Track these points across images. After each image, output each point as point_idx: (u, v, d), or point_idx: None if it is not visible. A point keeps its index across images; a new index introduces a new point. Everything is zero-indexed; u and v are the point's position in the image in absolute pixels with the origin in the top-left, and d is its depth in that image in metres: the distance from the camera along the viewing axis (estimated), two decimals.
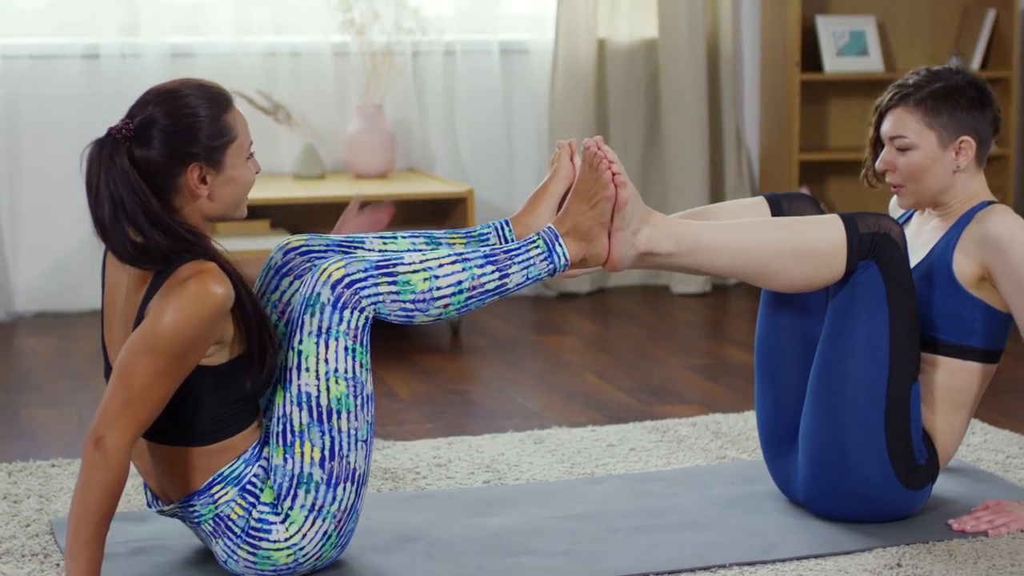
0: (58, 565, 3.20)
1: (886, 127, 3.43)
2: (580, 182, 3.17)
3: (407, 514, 3.49)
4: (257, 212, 5.69)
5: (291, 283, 3.19)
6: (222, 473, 3.01)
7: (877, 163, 3.46)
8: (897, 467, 3.30)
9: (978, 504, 3.47)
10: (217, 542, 3.06)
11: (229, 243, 5.37)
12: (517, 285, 3.12)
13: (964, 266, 3.36)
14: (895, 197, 3.60)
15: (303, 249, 3.24)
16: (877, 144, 3.52)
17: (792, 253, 3.25)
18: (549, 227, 3.16)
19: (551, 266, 3.14)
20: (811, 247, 3.25)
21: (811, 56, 6.48)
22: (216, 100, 2.95)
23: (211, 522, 3.04)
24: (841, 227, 3.26)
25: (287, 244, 3.25)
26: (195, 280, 2.86)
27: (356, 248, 3.25)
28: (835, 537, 3.31)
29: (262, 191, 5.53)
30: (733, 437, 4.12)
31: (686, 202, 6.26)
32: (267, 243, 5.44)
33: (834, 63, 6.45)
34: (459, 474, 3.83)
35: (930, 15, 6.70)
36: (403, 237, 3.27)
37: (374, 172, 5.91)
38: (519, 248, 3.13)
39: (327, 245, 3.24)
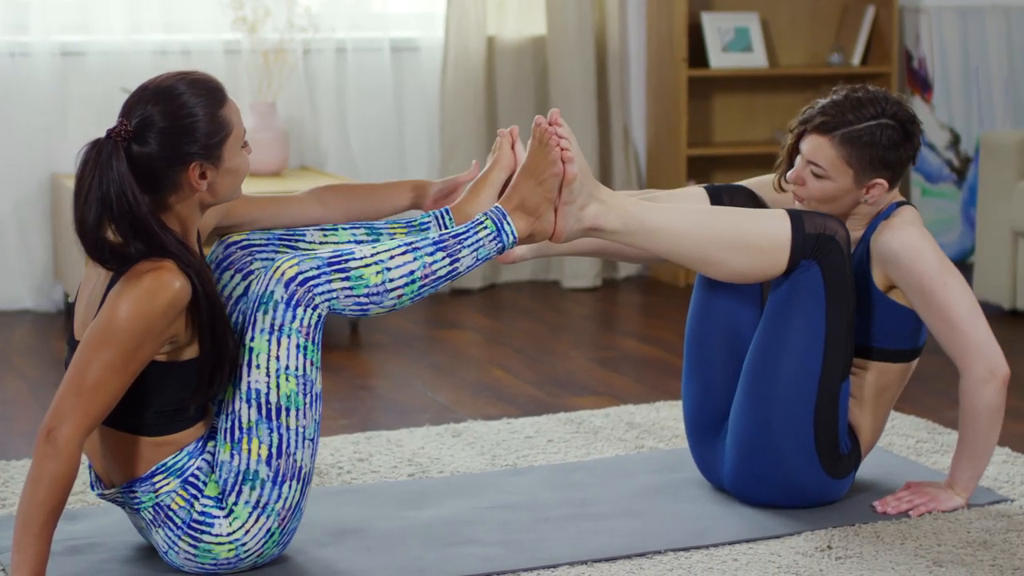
0: None
1: (806, 148, 3.42)
2: (529, 158, 3.20)
3: (338, 508, 3.50)
4: None
5: (232, 277, 3.20)
6: (165, 463, 3.01)
7: (790, 173, 3.46)
8: (822, 458, 3.37)
9: (898, 487, 3.57)
10: (157, 531, 3.06)
11: None
12: (468, 268, 3.15)
13: (878, 276, 3.43)
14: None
15: (244, 243, 3.24)
16: (793, 152, 3.51)
17: (735, 244, 3.30)
18: (496, 206, 3.19)
19: (500, 244, 3.17)
20: (755, 241, 3.30)
21: (697, 53, 6.57)
22: (212, 96, 2.95)
23: (151, 510, 3.03)
24: (787, 224, 3.30)
25: (227, 239, 3.26)
26: (150, 275, 2.86)
27: (297, 241, 3.26)
28: (764, 522, 3.38)
29: None
30: (648, 427, 4.18)
31: None
32: None
33: (720, 59, 6.55)
34: (383, 468, 3.85)
35: (811, 12, 6.83)
36: (343, 228, 3.28)
37: (268, 170, 5.88)
38: (467, 231, 3.15)
39: (267, 239, 3.25)
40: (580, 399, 4.58)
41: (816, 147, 3.40)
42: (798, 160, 3.45)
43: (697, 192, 3.59)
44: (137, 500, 3.04)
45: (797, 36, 6.83)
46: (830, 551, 3.21)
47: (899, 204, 3.47)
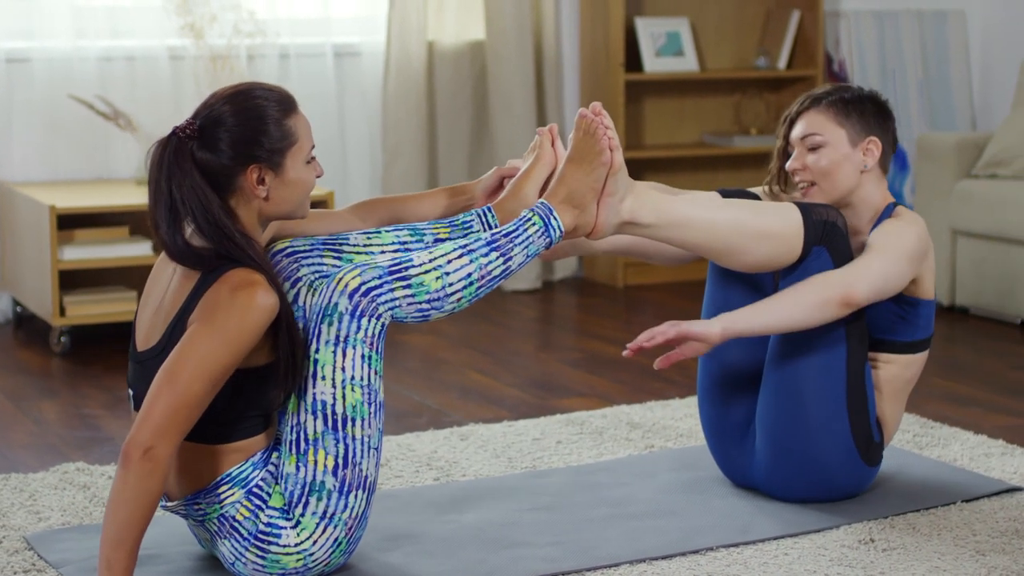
0: None
1: (798, 130, 3.60)
2: (575, 149, 3.27)
3: (381, 514, 3.53)
4: (113, 219, 5.61)
5: (281, 285, 3.21)
6: (230, 474, 3.04)
7: (788, 164, 3.62)
8: (859, 446, 3.50)
9: (914, 481, 3.71)
10: (224, 542, 3.08)
11: (88, 251, 5.32)
12: (519, 265, 3.21)
13: None
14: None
15: (288, 251, 3.26)
16: (784, 153, 3.67)
17: (757, 233, 3.43)
18: (541, 202, 3.25)
19: (548, 239, 3.24)
20: (774, 229, 3.44)
21: (630, 57, 6.68)
22: (282, 103, 3.01)
23: (216, 521, 3.06)
24: (797, 213, 3.46)
25: (272, 247, 3.28)
26: (246, 291, 2.89)
27: (341, 245, 3.28)
28: (799, 517, 3.49)
29: (113, 198, 5.49)
30: (649, 427, 4.28)
31: None
32: (128, 250, 5.40)
33: (653, 63, 6.67)
34: (405, 472, 3.90)
35: (737, 16, 6.98)
36: (387, 231, 3.32)
37: None
38: (516, 229, 3.21)
39: (311, 245, 3.27)
40: (568, 400, 4.66)
41: (806, 121, 3.60)
42: (792, 153, 3.61)
43: (712, 196, 3.70)
44: (202, 512, 3.06)
45: (723, 40, 6.98)
46: (874, 543, 3.33)
47: (895, 205, 3.62)
